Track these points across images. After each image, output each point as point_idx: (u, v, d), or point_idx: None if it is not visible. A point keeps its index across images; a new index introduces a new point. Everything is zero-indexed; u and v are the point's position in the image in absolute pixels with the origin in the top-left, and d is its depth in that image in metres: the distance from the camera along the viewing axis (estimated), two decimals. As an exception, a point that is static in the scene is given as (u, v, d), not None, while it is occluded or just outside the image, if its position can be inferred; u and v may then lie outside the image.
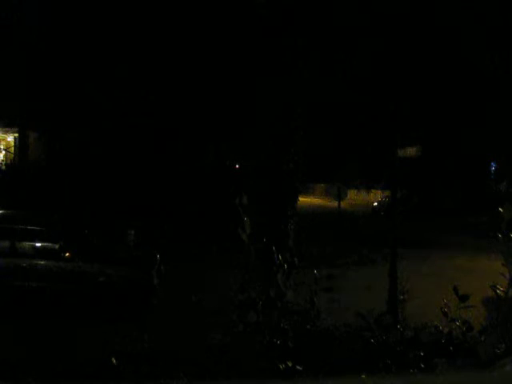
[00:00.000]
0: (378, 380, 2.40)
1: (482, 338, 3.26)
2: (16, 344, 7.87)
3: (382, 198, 41.64)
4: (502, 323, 3.28)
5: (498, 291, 3.17)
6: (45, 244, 10.12)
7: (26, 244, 10.12)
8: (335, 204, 25.76)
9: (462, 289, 3.39)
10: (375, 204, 42.11)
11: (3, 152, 23.42)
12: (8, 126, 21.91)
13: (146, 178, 19.86)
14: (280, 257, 3.56)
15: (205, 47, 18.22)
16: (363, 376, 2.68)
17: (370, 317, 3.62)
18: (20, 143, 22.61)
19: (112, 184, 19.27)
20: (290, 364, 3.07)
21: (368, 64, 17.37)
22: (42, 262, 9.95)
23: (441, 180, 34.27)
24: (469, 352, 3.18)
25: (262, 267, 3.57)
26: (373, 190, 49.49)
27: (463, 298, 3.32)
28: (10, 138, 23.42)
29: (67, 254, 9.87)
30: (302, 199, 11.29)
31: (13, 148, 23.14)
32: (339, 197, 23.39)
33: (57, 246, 9.91)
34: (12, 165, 21.82)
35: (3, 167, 21.79)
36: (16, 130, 22.34)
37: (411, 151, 10.83)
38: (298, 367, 3.07)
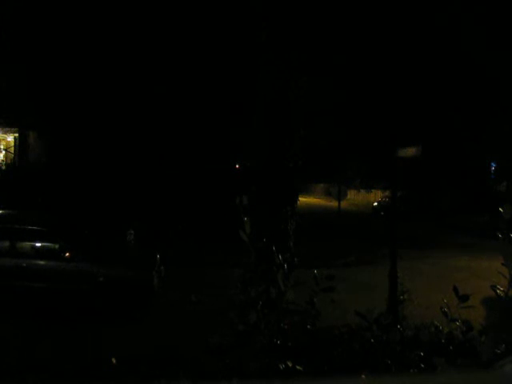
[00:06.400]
0: (377, 380, 2.40)
1: (482, 338, 3.25)
2: (16, 344, 7.87)
3: (382, 198, 41.67)
4: (502, 323, 3.28)
5: (498, 291, 3.16)
6: (45, 244, 10.11)
7: (26, 244, 10.12)
8: (335, 204, 25.79)
9: (461, 289, 3.39)
10: (375, 204, 42.15)
11: (3, 152, 23.40)
12: (8, 125, 21.89)
13: (146, 178, 19.86)
14: (280, 257, 3.56)
15: (206, 46, 18.23)
16: (363, 376, 2.68)
17: (370, 317, 3.61)
18: (20, 143, 22.59)
19: (112, 184, 19.27)
20: (289, 364, 3.07)
21: (369, 65, 17.36)
22: (42, 262, 9.95)
23: (441, 180, 34.28)
24: (469, 352, 3.18)
25: (261, 267, 3.58)
26: (373, 190, 49.52)
27: (463, 298, 3.32)
28: (10, 138, 23.40)
29: (67, 254, 9.87)
30: (302, 199, 11.30)
31: (13, 148, 23.12)
32: (339, 197, 23.39)
33: (57, 246, 9.91)
34: (12, 165, 21.81)
35: (3, 167, 21.78)
36: (16, 129, 22.32)
37: (411, 151, 10.81)
38: (297, 367, 3.07)
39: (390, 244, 10.33)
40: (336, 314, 5.25)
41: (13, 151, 23.01)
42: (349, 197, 32.21)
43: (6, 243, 9.89)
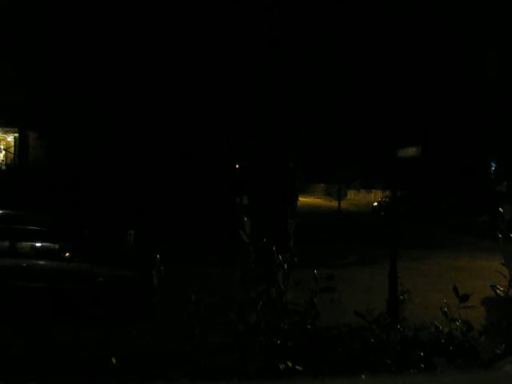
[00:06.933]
0: (378, 380, 2.40)
1: (482, 338, 3.25)
2: (16, 344, 7.87)
3: (382, 198, 41.68)
4: (502, 323, 3.28)
5: (498, 291, 3.16)
6: (45, 244, 10.12)
7: (26, 244, 10.13)
8: (335, 204, 25.79)
9: (462, 289, 3.39)
10: (375, 204, 42.19)
11: (3, 152, 23.40)
12: (8, 125, 21.90)
13: (146, 178, 19.86)
14: (280, 257, 3.56)
15: (206, 45, 18.22)
16: (363, 376, 2.68)
17: (370, 317, 3.61)
18: (20, 143, 22.60)
19: (112, 184, 19.27)
20: (289, 364, 3.07)
21: (369, 64, 17.36)
22: (42, 262, 9.95)
23: (440, 180, 34.27)
24: (469, 352, 3.18)
25: (261, 267, 3.58)
26: (373, 190, 49.55)
27: (463, 298, 3.32)
28: (10, 138, 23.40)
29: (67, 254, 9.87)
30: (302, 199, 11.31)
31: (13, 148, 23.12)
32: (339, 197, 23.37)
33: (57, 246, 9.91)
34: (12, 165, 21.80)
35: (3, 167, 21.78)
36: (16, 129, 22.33)
37: (411, 151, 10.83)
38: (297, 367, 3.07)
39: (390, 244, 10.34)
40: (336, 314, 5.25)
41: (13, 151, 23.01)
42: (349, 197, 32.18)
43: (6, 243, 9.90)
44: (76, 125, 19.49)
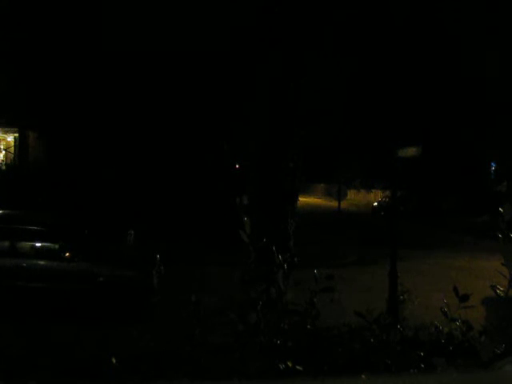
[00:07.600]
0: (377, 380, 2.40)
1: (482, 338, 3.25)
2: (16, 344, 7.87)
3: (382, 198, 41.66)
4: (502, 323, 3.28)
5: (498, 291, 3.16)
6: (45, 244, 10.12)
7: (26, 244, 10.13)
8: (335, 204, 25.81)
9: (462, 289, 3.39)
10: (375, 204, 42.15)
11: (3, 152, 23.39)
12: (8, 125, 21.89)
13: (146, 178, 19.86)
14: (280, 257, 3.56)
15: (205, 46, 18.21)
16: (363, 376, 2.68)
17: (370, 317, 3.61)
18: (20, 143, 22.59)
19: (112, 184, 19.27)
20: (289, 364, 3.07)
21: (369, 65, 17.36)
22: (42, 262, 9.95)
23: (441, 180, 34.27)
24: (469, 352, 3.18)
25: (261, 267, 3.58)
26: (373, 190, 49.53)
27: (463, 298, 3.32)
28: (10, 138, 23.39)
29: (67, 254, 9.88)
30: (302, 199, 11.32)
31: (13, 148, 23.11)
32: (339, 197, 23.39)
33: (57, 246, 9.92)
34: (12, 165, 21.81)
35: (3, 167, 21.78)
36: (16, 129, 22.32)
37: (411, 151, 10.83)
38: (297, 367, 3.07)
39: (390, 244, 10.34)
40: (336, 314, 5.25)
41: (13, 151, 23.00)
42: (349, 197, 32.20)
43: (6, 243, 9.90)
44: (76, 125, 19.50)
